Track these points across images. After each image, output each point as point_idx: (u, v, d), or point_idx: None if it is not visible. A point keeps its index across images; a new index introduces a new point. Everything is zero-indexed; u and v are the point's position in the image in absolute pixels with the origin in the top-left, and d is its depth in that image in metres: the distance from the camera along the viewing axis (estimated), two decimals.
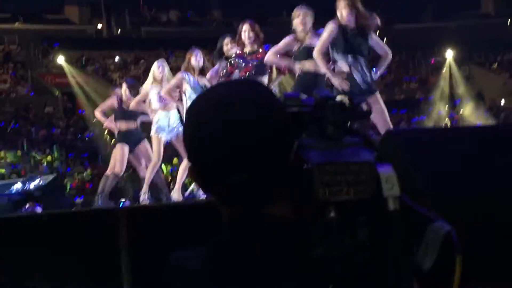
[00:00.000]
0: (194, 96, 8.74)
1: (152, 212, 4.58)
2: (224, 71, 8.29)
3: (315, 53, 7.08)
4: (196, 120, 1.37)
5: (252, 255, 1.32)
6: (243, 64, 8.10)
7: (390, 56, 7.39)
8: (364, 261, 1.23)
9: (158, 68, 9.61)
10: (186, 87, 8.88)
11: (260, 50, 8.11)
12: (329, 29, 7.03)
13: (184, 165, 9.02)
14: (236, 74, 8.15)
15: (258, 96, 1.38)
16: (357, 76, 6.98)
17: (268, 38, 8.43)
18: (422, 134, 5.23)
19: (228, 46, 8.71)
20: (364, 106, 1.44)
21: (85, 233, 4.06)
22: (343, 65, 6.99)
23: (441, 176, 3.96)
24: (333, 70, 7.10)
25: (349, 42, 7.03)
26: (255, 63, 8.08)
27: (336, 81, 6.93)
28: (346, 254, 1.23)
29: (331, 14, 7.16)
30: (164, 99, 9.32)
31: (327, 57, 7.17)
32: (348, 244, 1.23)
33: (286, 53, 7.87)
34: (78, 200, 15.62)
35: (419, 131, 7.06)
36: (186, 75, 8.89)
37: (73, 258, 3.96)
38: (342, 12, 7.03)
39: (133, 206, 8.06)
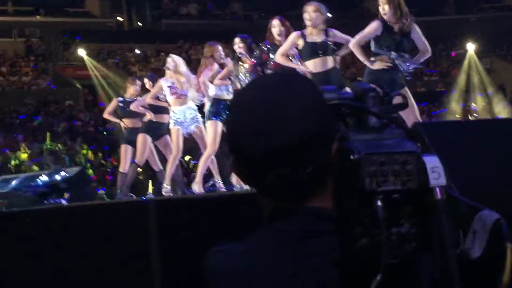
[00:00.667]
0: (220, 91, 8.82)
1: (180, 203, 4.60)
2: (257, 58, 8.28)
3: (352, 44, 7.12)
4: (241, 112, 1.37)
5: (297, 248, 1.32)
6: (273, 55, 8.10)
7: (429, 52, 7.42)
8: (411, 251, 1.23)
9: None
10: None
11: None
12: (373, 26, 7.09)
13: (205, 157, 9.00)
14: (266, 64, 8.16)
15: (303, 89, 1.38)
16: (396, 70, 7.04)
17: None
18: (449, 126, 5.23)
19: (236, 46, 8.75)
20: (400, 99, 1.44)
21: (115, 225, 4.09)
22: (385, 59, 7.03)
23: (468, 169, 3.96)
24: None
25: (393, 38, 7.07)
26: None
27: (376, 66, 6.98)
28: (392, 245, 1.23)
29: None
30: (181, 92, 9.36)
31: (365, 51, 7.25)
32: (394, 234, 1.23)
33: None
34: (101, 192, 15.72)
35: (446, 124, 7.05)
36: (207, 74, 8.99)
37: (103, 250, 3.99)
38: (384, 7, 7.08)
39: (162, 197, 8.08)
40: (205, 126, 9.15)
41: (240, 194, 5.84)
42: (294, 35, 7.69)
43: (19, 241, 4.04)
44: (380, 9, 7.16)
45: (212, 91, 8.93)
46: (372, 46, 7.21)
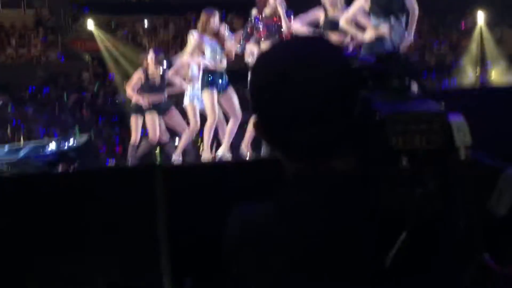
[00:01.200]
0: (212, 60, 8.79)
1: (187, 170, 4.62)
2: (244, 33, 8.37)
3: (342, 22, 7.09)
4: (264, 75, 1.38)
5: (322, 208, 1.34)
6: (260, 27, 8.17)
7: (417, 12, 7.33)
8: (435, 210, 1.25)
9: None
10: (206, 49, 8.92)
11: (277, 15, 8.17)
12: None
13: (209, 125, 9.00)
14: (254, 36, 8.23)
15: (326, 51, 1.39)
16: (395, 37, 6.96)
17: (299, 2, 8.43)
18: (454, 94, 5.22)
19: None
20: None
21: (122, 189, 4.11)
22: (383, 27, 6.96)
23: (476, 137, 3.96)
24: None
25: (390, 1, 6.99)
26: (271, 27, 8.14)
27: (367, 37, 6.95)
28: (417, 203, 1.24)
29: None
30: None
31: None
32: (419, 193, 1.24)
33: (311, 24, 7.90)
34: (110, 162, 15.76)
35: (451, 92, 7.03)
36: (203, 37, 8.93)
37: (110, 215, 4.01)
38: None
39: (169, 164, 8.10)
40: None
41: (248, 162, 5.86)
42: (317, 10, 7.74)
43: (29, 206, 4.06)
44: None
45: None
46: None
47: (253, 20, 8.39)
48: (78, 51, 28.04)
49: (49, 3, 30.09)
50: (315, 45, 1.42)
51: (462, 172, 1.25)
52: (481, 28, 28.13)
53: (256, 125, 1.44)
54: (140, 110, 10.31)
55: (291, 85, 1.33)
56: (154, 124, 9.97)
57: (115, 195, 4.20)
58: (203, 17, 9.09)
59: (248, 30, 8.40)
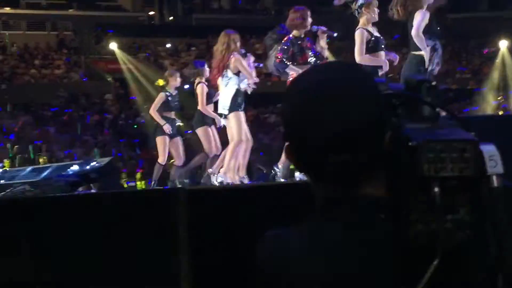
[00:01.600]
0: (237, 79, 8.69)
1: (210, 193, 4.62)
2: (285, 55, 8.18)
3: (416, 36, 7.00)
4: (299, 99, 1.39)
5: (351, 236, 1.34)
6: (305, 49, 8.08)
7: None
8: (466, 239, 1.25)
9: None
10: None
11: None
12: (423, 14, 6.99)
13: (231, 148, 8.90)
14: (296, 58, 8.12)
15: (361, 77, 1.41)
16: (435, 61, 7.01)
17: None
18: (481, 121, 5.20)
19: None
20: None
21: (145, 212, 4.12)
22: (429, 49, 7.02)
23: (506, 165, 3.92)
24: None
25: (436, 24, 7.06)
26: (314, 51, 8.10)
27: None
28: (448, 231, 1.24)
29: None
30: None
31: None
32: (449, 221, 1.24)
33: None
34: (130, 185, 15.84)
35: (478, 118, 7.01)
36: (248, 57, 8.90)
37: (131, 238, 4.02)
38: None
39: (193, 187, 8.12)
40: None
41: (272, 185, 5.85)
42: (363, 32, 7.64)
43: (50, 227, 4.08)
44: None
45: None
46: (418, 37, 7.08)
47: (293, 42, 8.19)
48: (101, 72, 28.30)
49: (73, 24, 30.45)
50: (348, 71, 1.43)
51: (494, 200, 1.24)
52: (503, 55, 28.07)
53: (288, 150, 1.44)
54: (167, 133, 10.44)
55: (324, 111, 1.34)
56: (209, 136, 9.95)
57: (139, 216, 4.22)
58: (237, 38, 8.95)
59: (290, 52, 8.20)
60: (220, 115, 8.99)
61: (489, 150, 1.26)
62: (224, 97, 8.82)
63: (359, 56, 7.39)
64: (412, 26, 7.06)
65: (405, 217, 1.27)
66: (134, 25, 31.38)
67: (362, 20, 7.64)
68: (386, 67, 7.62)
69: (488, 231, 1.26)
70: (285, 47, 8.12)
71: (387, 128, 1.34)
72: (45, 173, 9.60)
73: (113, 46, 28.24)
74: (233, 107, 8.68)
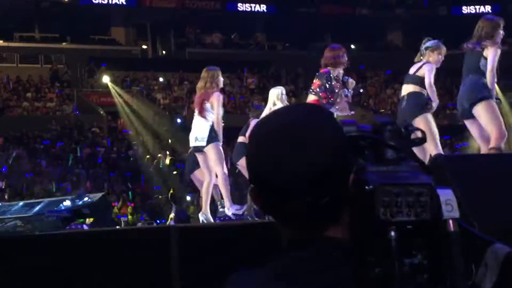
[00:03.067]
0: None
1: (203, 231, 4.64)
2: (335, 95, 7.95)
3: (491, 75, 7.17)
4: (262, 142, 1.40)
5: (313, 278, 1.34)
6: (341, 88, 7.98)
7: None
8: (423, 282, 1.25)
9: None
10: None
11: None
12: (495, 52, 7.18)
13: (206, 185, 8.94)
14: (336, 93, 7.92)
15: (322, 121, 1.41)
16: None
17: (310, 63, 8.37)
18: (472, 160, 5.21)
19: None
20: (419, 133, 1.47)
21: (137, 249, 4.12)
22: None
23: (490, 203, 3.93)
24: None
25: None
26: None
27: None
28: (404, 275, 1.25)
29: None
30: None
31: None
32: (407, 265, 1.25)
33: None
34: (122, 219, 15.77)
35: (469, 157, 7.03)
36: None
37: (125, 274, 4.01)
38: (500, 33, 7.28)
39: (185, 225, 8.10)
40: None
41: (262, 223, 5.86)
42: (432, 66, 7.83)
43: (42, 265, 4.07)
44: (499, 33, 7.27)
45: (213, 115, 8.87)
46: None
47: (337, 80, 8.00)
48: (93, 105, 28.32)
49: (66, 58, 30.52)
50: (312, 114, 1.43)
51: (450, 244, 1.25)
52: (496, 92, 28.10)
53: (252, 194, 1.45)
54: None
55: (287, 154, 1.34)
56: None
57: (134, 253, 4.23)
58: (218, 73, 9.07)
59: (337, 90, 7.98)
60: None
61: (445, 194, 1.27)
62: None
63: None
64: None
65: (364, 260, 1.27)
66: (127, 59, 31.46)
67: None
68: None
69: (446, 275, 1.27)
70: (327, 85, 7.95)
71: (351, 171, 1.35)
72: (37, 208, 9.54)
73: (106, 79, 28.34)
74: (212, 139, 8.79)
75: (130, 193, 20.27)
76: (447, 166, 3.79)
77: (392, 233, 1.24)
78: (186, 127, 10.24)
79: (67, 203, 9.18)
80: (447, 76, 30.87)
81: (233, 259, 3.87)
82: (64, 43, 31.05)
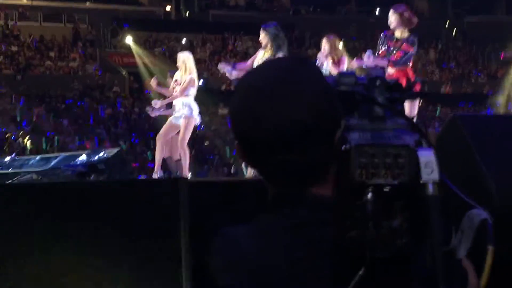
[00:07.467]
0: None
1: (213, 186, 4.63)
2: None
3: None
4: (245, 98, 1.36)
5: (297, 234, 1.32)
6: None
7: None
8: (400, 246, 1.21)
9: None
10: None
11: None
12: None
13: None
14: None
15: (309, 76, 1.37)
16: None
17: (335, 27, 8.37)
18: (492, 121, 5.13)
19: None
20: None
21: (145, 201, 4.13)
22: None
23: (508, 164, 3.87)
24: None
25: None
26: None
27: None
28: (381, 238, 1.20)
29: None
30: None
31: None
32: (385, 228, 1.20)
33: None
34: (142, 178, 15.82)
35: (487, 118, 6.95)
36: None
37: (133, 225, 4.02)
38: None
39: (195, 179, 8.16)
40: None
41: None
42: None
43: (56, 214, 4.09)
44: None
45: None
46: None
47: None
48: (116, 66, 28.35)
49: (89, 18, 30.51)
50: (297, 68, 1.39)
51: (429, 208, 1.20)
52: None
53: (237, 149, 1.42)
54: None
55: (271, 108, 1.31)
56: None
57: (140, 205, 4.25)
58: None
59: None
60: None
61: (425, 155, 1.21)
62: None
63: None
64: None
65: (341, 222, 1.23)
66: (150, 20, 31.40)
67: None
68: None
69: (425, 239, 1.22)
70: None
71: (338, 128, 1.29)
72: (53, 163, 9.59)
73: (129, 40, 28.29)
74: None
75: (149, 153, 20.29)
76: (465, 126, 3.72)
77: (369, 196, 1.19)
78: (208, 89, 10.23)
79: (83, 157, 9.22)
80: (473, 44, 30.59)
81: (241, 214, 3.86)
82: (87, 3, 31.00)
